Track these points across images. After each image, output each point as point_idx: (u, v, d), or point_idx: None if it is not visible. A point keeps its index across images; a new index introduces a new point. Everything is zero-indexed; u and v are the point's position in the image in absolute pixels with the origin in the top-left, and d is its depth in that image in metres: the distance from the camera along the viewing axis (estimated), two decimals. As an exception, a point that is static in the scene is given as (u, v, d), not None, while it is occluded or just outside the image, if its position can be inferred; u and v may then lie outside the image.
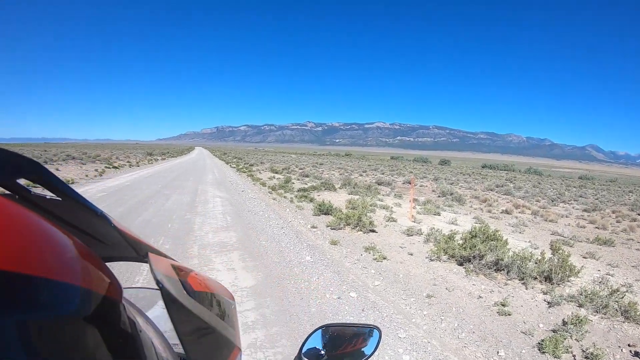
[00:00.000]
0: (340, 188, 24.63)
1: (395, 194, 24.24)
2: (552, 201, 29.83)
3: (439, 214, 17.70)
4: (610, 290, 7.45)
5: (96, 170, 30.56)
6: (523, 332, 6.21)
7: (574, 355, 5.65)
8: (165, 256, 0.81)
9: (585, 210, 25.82)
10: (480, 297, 7.52)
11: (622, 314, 6.87)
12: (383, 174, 48.09)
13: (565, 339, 5.86)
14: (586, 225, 19.38)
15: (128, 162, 44.99)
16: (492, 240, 9.17)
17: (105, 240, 0.70)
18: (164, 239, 10.27)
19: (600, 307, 6.99)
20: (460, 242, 9.69)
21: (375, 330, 1.63)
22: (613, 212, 25.61)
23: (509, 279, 8.47)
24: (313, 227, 12.65)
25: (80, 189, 19.77)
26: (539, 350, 5.69)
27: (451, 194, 26.39)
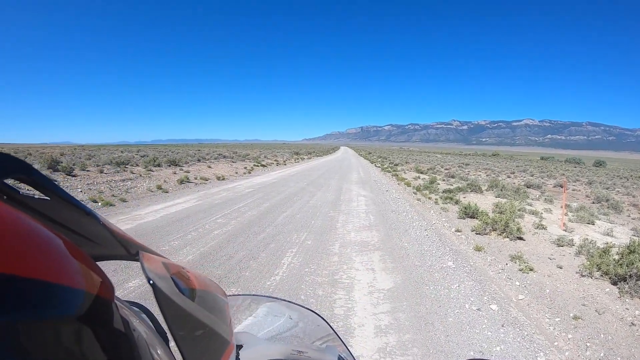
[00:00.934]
0: (486, 190, 23.79)
1: (545, 199, 22.88)
2: None
3: (592, 223, 16.33)
4: None
5: (245, 167, 32.27)
6: None
7: None
8: (157, 254, 0.79)
9: None
10: (634, 324, 6.74)
11: None
12: (532, 175, 45.81)
13: None
14: None
15: (275, 160, 46.93)
16: (653, 257, 8.27)
17: (95, 239, 0.68)
18: (306, 234, 10.56)
19: None
20: (616, 257, 8.78)
21: None
22: None
23: None
24: (457, 230, 12.32)
25: (230, 185, 21.03)
26: None
27: (607, 200, 24.39)
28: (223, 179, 23.94)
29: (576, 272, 8.87)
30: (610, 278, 8.40)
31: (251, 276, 7.54)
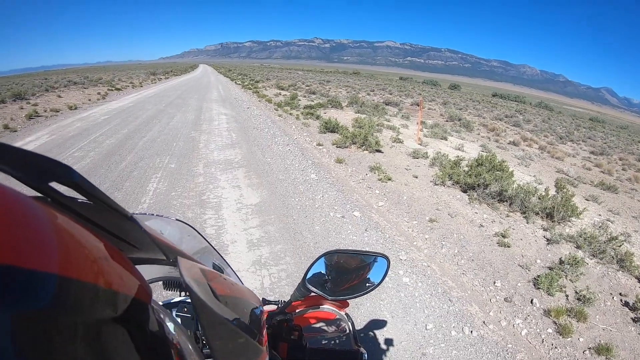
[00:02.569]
0: (347, 106, 24.36)
1: (402, 115, 24.04)
2: (560, 139, 29.60)
3: (445, 139, 17.60)
4: (609, 236, 7.45)
5: (99, 93, 30.29)
6: (520, 266, 6.30)
7: (567, 295, 5.75)
8: (195, 260, 0.82)
9: (592, 153, 25.79)
10: (482, 226, 7.58)
11: (617, 262, 6.89)
12: (391, 94, 47.46)
13: (560, 278, 5.94)
14: (592, 168, 19.45)
15: (131, 83, 44.41)
16: (497, 171, 9.14)
17: (135, 243, 0.70)
18: (169, 158, 10.31)
19: (598, 252, 7.00)
20: (466, 169, 9.68)
21: (383, 258, 1.58)
22: (620, 159, 25.46)
23: (511, 211, 8.50)
24: (319, 144, 12.61)
25: (84, 114, 19.70)
26: (534, 285, 5.81)
27: (459, 119, 26.17)
28: (76, 108, 22.29)
29: (430, 181, 9.62)
30: (460, 187, 9.26)
31: (116, 208, 7.25)
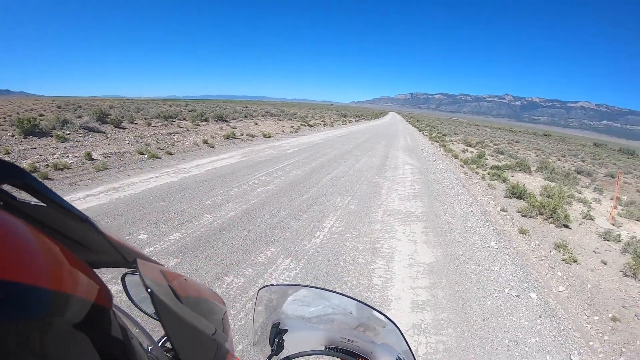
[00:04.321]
0: (535, 171, 23.18)
1: (595, 187, 22.25)
2: None
3: (643, 220, 15.83)
4: None
5: (292, 126, 32.28)
6: None
7: None
8: (154, 262, 0.78)
9: None
10: None
11: None
12: (583, 161, 44.47)
13: None
14: None
15: (323, 121, 46.78)
16: None
17: (92, 246, 0.68)
18: (350, 199, 10.58)
19: None
20: None
21: None
22: None
23: None
24: (503, 210, 12.11)
25: (276, 143, 21.16)
26: None
27: (665, 197, 23.56)
28: (269, 137, 24.06)
29: (620, 271, 8.59)
30: None
31: (292, 237, 7.60)
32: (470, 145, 36.90)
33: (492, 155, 29.98)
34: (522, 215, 11.66)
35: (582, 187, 21.45)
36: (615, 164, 48.79)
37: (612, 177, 29.38)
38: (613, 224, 13.14)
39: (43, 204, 0.57)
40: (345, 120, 59.48)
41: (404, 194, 12.04)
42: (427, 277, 6.62)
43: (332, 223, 8.54)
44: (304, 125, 35.75)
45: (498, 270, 7.40)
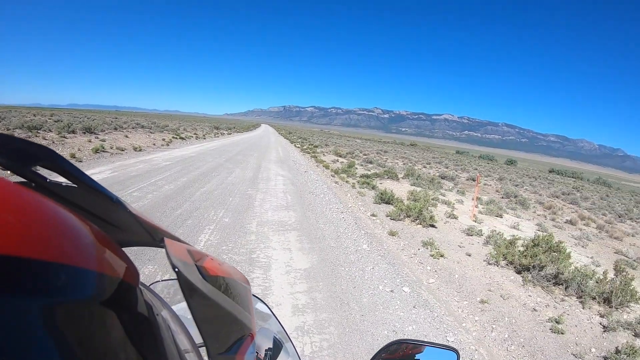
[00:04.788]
0: (403, 178, 24.32)
1: (457, 190, 23.82)
2: (619, 217, 28.51)
3: (501, 216, 17.28)
4: None
5: (163, 139, 31.44)
6: (574, 354, 5.95)
7: None
8: (181, 241, 0.79)
9: None
10: (535, 310, 7.24)
11: None
12: (447, 167, 47.38)
13: None
14: None
15: (195, 134, 46.04)
16: (554, 252, 8.81)
17: (121, 225, 0.69)
18: (224, 212, 10.44)
19: None
20: (521, 249, 9.40)
21: (452, 352, 1.53)
22: None
23: (567, 295, 8.13)
24: (373, 215, 12.56)
25: (147, 157, 20.51)
26: None
27: (515, 196, 25.69)
28: (140, 150, 23.25)
29: (484, 260, 9.35)
30: (515, 267, 8.93)
31: (165, 258, 7.36)
32: (340, 156, 37.92)
33: (362, 165, 31.02)
34: (392, 219, 12.17)
35: (446, 190, 22.82)
36: (476, 169, 52.51)
37: (473, 180, 31.43)
38: (475, 221, 14.15)
39: (74, 185, 0.58)
40: (218, 133, 58.94)
41: (277, 205, 12.10)
42: (305, 281, 6.69)
43: (208, 237, 8.39)
44: (176, 138, 34.92)
45: (371, 270, 7.65)
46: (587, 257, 12.74)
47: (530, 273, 8.46)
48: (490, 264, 9.19)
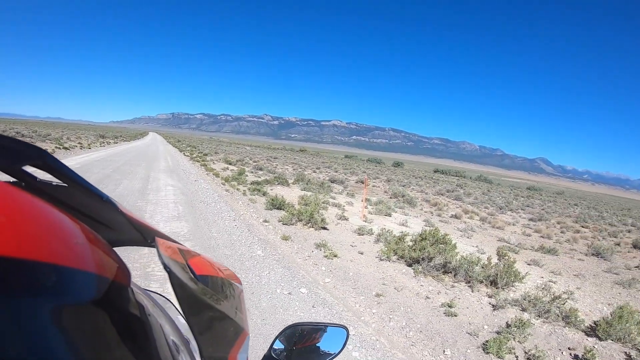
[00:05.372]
0: (293, 183, 24.58)
1: (347, 193, 24.44)
2: (500, 209, 30.76)
3: (390, 215, 18.04)
4: (552, 296, 7.80)
5: (45, 150, 29.70)
6: (468, 333, 6.41)
7: (516, 356, 5.91)
8: (173, 240, 0.81)
9: (531, 220, 26.90)
10: (428, 297, 7.71)
11: (563, 319, 7.21)
12: (337, 172, 48.21)
13: (508, 340, 6.11)
14: (532, 234, 20.19)
15: (79, 143, 43.65)
16: (441, 244, 9.38)
17: (112, 225, 0.71)
18: (113, 226, 10.07)
19: (543, 312, 7.29)
20: (410, 243, 9.90)
21: (343, 329, 1.65)
22: (558, 222, 26.77)
23: (456, 282, 8.72)
24: (265, 221, 12.60)
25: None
26: (484, 350, 5.90)
27: (403, 196, 26.81)
28: (15, 166, 21.81)
29: (376, 257, 9.75)
30: (405, 261, 9.43)
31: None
32: (230, 164, 37.52)
33: (252, 172, 30.86)
34: (284, 224, 12.28)
35: (336, 193, 23.33)
36: (365, 172, 53.93)
37: (362, 183, 32.29)
38: (365, 221, 14.66)
39: (64, 184, 0.58)
40: (104, 142, 56.07)
41: (168, 216, 11.81)
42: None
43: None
44: (59, 148, 32.85)
45: (268, 275, 7.72)
46: (473, 246, 13.66)
47: (421, 265, 8.97)
48: (382, 260, 9.60)
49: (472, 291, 8.34)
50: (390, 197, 26.60)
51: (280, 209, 14.33)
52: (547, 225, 24.69)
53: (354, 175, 46.14)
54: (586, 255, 15.94)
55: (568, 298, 8.41)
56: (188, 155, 44.71)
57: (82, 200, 0.62)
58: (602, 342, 6.79)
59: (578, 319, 7.21)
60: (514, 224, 23.31)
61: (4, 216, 0.39)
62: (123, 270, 0.56)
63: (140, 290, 0.91)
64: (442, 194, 36.98)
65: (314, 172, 43.54)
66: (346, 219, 14.37)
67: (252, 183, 21.03)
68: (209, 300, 0.72)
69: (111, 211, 0.66)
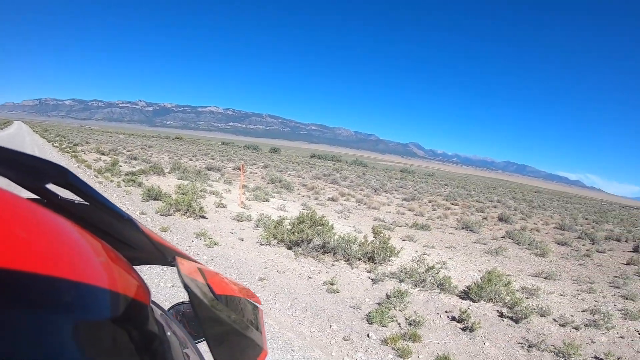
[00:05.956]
0: (169, 173, 23.98)
1: (225, 180, 24.36)
2: (375, 190, 32.16)
3: (268, 201, 18.25)
4: (427, 267, 8.34)
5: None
6: (352, 307, 6.71)
7: (399, 324, 6.32)
8: (193, 260, 0.81)
9: (405, 199, 28.40)
10: (310, 277, 7.96)
11: (438, 287, 7.78)
12: (213, 159, 47.73)
13: (390, 310, 6.51)
14: (405, 213, 21.39)
15: None
16: (319, 225, 9.68)
17: (133, 243, 0.73)
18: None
19: (419, 282, 7.80)
20: (289, 227, 10.13)
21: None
22: (430, 201, 28.64)
23: (336, 260, 9.04)
24: (142, 213, 12.26)
25: None
26: (368, 321, 6.24)
27: (280, 181, 27.16)
28: None
29: (256, 243, 9.89)
30: (285, 244, 9.64)
31: None
32: (103, 154, 35.91)
33: (127, 162, 29.74)
34: (162, 215, 12.03)
35: (213, 181, 23.08)
36: (242, 158, 53.73)
37: (239, 170, 32.15)
38: (244, 208, 14.72)
39: (86, 202, 0.58)
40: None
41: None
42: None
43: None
44: None
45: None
46: (350, 226, 14.19)
47: (301, 247, 9.20)
48: (262, 245, 9.75)
49: (352, 268, 8.70)
50: (268, 183, 26.85)
51: (157, 200, 14.02)
52: (419, 204, 26.24)
53: (231, 162, 45.80)
54: (456, 229, 17.21)
55: (442, 268, 9.06)
56: (57, 147, 42.09)
57: (103, 218, 0.63)
58: (476, 303, 7.40)
59: (452, 285, 7.82)
60: (388, 204, 24.43)
61: (26, 232, 0.39)
62: (143, 289, 0.58)
63: (160, 308, 0.94)
64: (319, 178, 37.95)
65: (191, 160, 42.76)
66: (225, 207, 14.38)
67: (127, 174, 20.30)
68: (227, 320, 0.73)
69: (132, 230, 0.66)
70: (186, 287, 0.62)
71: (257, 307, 1.01)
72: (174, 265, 0.73)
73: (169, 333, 0.77)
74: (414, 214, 21.06)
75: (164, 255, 0.77)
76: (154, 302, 0.81)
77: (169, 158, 40.10)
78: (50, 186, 0.54)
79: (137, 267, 0.73)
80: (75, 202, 0.62)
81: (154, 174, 22.30)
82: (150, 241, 0.71)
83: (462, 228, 17.59)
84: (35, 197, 0.56)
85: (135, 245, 0.74)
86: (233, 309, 0.79)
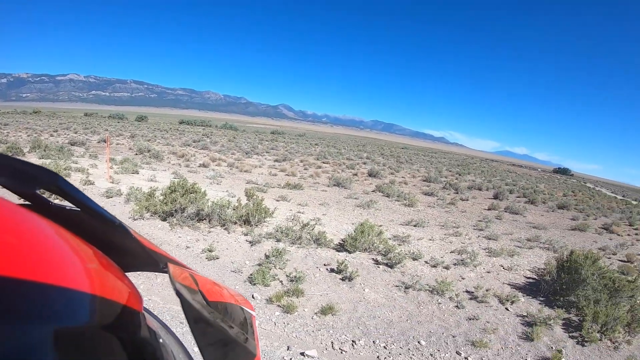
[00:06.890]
0: (29, 152, 22.32)
1: (90, 155, 23.21)
2: (247, 154, 32.33)
3: (137, 172, 17.85)
4: (302, 224, 8.63)
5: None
6: (233, 271, 6.92)
7: (280, 281, 6.65)
8: (185, 267, 0.82)
9: (276, 161, 29.09)
10: (188, 247, 8.02)
11: (314, 242, 8.19)
12: (76, 133, 44.91)
13: (270, 269, 6.81)
14: (278, 174, 21.85)
15: None
16: (191, 193, 9.65)
17: (124, 250, 0.71)
18: None
19: (296, 239, 8.14)
20: (161, 198, 9.98)
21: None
22: (301, 161, 29.37)
23: (212, 227, 9.12)
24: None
25: None
26: (250, 283, 6.48)
27: (149, 151, 26.48)
28: None
29: (129, 218, 9.64)
30: (159, 216, 9.53)
31: None
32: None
33: (-23, 144, 27.48)
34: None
35: (78, 157, 21.97)
36: (107, 130, 51.14)
37: (105, 142, 30.75)
38: (112, 182, 14.27)
39: (77, 209, 0.57)
40: None
41: None
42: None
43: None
44: None
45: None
46: (223, 191, 14.36)
47: (175, 217, 9.17)
48: (136, 219, 9.58)
49: (229, 233, 8.83)
50: (136, 154, 26.06)
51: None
52: (291, 164, 26.84)
53: (96, 134, 43.53)
54: (328, 186, 17.90)
55: (316, 224, 9.43)
56: None
57: (95, 225, 0.62)
58: (352, 254, 7.88)
59: (328, 240, 8.27)
60: (260, 166, 24.71)
61: (12, 237, 0.39)
62: (135, 296, 0.59)
63: (152, 315, 0.91)
64: (188, 145, 37.40)
65: (52, 136, 40.02)
66: (92, 183, 13.88)
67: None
68: (219, 326, 0.73)
69: (124, 237, 0.66)
70: (178, 293, 0.63)
71: (250, 313, 1.03)
72: (166, 272, 0.73)
73: (161, 340, 0.79)
74: (286, 175, 21.57)
75: (156, 262, 0.78)
76: (146, 310, 0.81)
77: (28, 136, 37.31)
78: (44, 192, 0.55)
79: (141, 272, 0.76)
80: (67, 208, 0.63)
81: (13, 155, 20.71)
82: (142, 247, 0.72)
83: (334, 185, 18.29)
84: (25, 202, 0.57)
85: (127, 252, 0.74)
86: (225, 316, 0.80)
